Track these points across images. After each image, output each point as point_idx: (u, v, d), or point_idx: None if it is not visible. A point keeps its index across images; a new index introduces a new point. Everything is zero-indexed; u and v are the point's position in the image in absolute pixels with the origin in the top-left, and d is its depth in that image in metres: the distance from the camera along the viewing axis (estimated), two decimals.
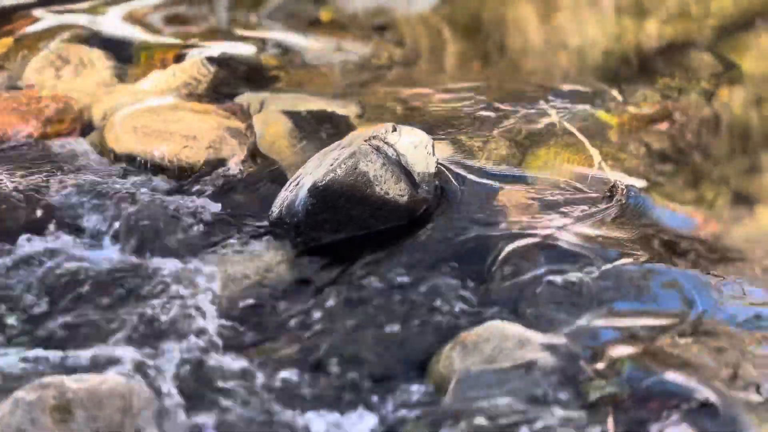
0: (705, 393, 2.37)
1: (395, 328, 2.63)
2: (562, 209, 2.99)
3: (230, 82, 3.68)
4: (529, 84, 3.68)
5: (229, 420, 2.41)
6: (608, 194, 3.05)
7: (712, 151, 3.36)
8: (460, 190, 3.04)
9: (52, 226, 2.96)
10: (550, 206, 3.01)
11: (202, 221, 2.98)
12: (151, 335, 2.62)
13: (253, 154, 3.30)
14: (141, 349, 2.57)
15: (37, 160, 3.28)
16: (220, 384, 2.50)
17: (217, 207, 3.04)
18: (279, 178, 3.14)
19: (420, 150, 2.95)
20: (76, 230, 2.96)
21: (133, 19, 4.10)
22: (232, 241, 2.91)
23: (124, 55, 3.82)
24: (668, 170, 3.27)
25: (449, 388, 2.43)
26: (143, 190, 3.10)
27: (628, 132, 3.40)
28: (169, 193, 3.12)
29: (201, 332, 2.63)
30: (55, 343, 2.60)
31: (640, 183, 3.14)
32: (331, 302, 2.71)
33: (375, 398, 2.47)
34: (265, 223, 2.96)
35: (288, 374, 2.53)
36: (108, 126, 3.39)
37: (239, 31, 4.07)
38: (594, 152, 3.24)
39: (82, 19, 4.03)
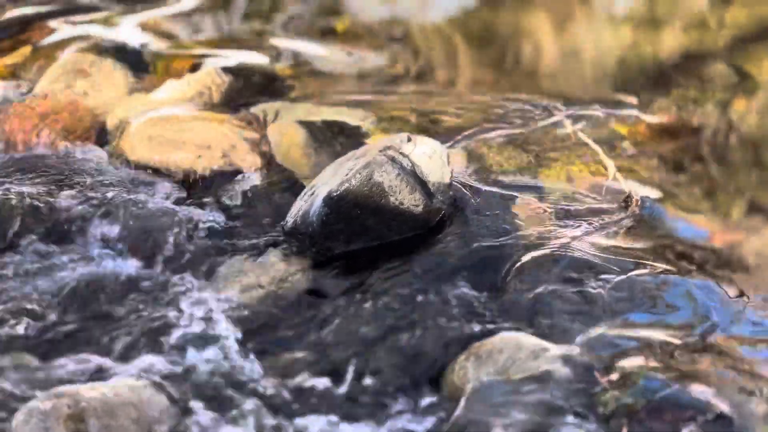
0: (720, 405, 2.36)
1: (409, 337, 2.62)
2: (577, 220, 2.99)
3: (245, 91, 3.68)
4: (544, 94, 3.67)
5: (243, 429, 2.41)
6: (623, 205, 3.05)
7: (727, 162, 3.35)
8: (475, 201, 3.03)
9: (65, 235, 2.97)
10: (564, 216, 3.00)
11: (217, 231, 2.99)
12: (165, 344, 2.62)
13: (268, 163, 3.30)
14: (155, 358, 2.57)
15: (52, 169, 3.29)
16: (235, 393, 2.50)
17: (231, 217, 3.05)
18: (293, 188, 3.14)
19: (435, 160, 2.95)
20: (90, 239, 2.96)
21: (148, 28, 4.11)
22: (246, 250, 2.91)
23: (139, 65, 3.82)
24: (683, 181, 3.26)
25: (463, 399, 2.43)
26: (157, 199, 3.10)
27: (643, 142, 3.39)
28: (183, 202, 3.12)
29: (215, 341, 2.63)
30: (69, 352, 2.61)
31: (654, 193, 3.13)
32: (345, 312, 2.71)
33: (388, 408, 2.47)
34: (280, 232, 2.96)
35: (302, 384, 2.53)
36: (123, 135, 3.40)
37: (254, 41, 4.07)
38: (609, 163, 3.23)
39: (97, 30, 4.04)
